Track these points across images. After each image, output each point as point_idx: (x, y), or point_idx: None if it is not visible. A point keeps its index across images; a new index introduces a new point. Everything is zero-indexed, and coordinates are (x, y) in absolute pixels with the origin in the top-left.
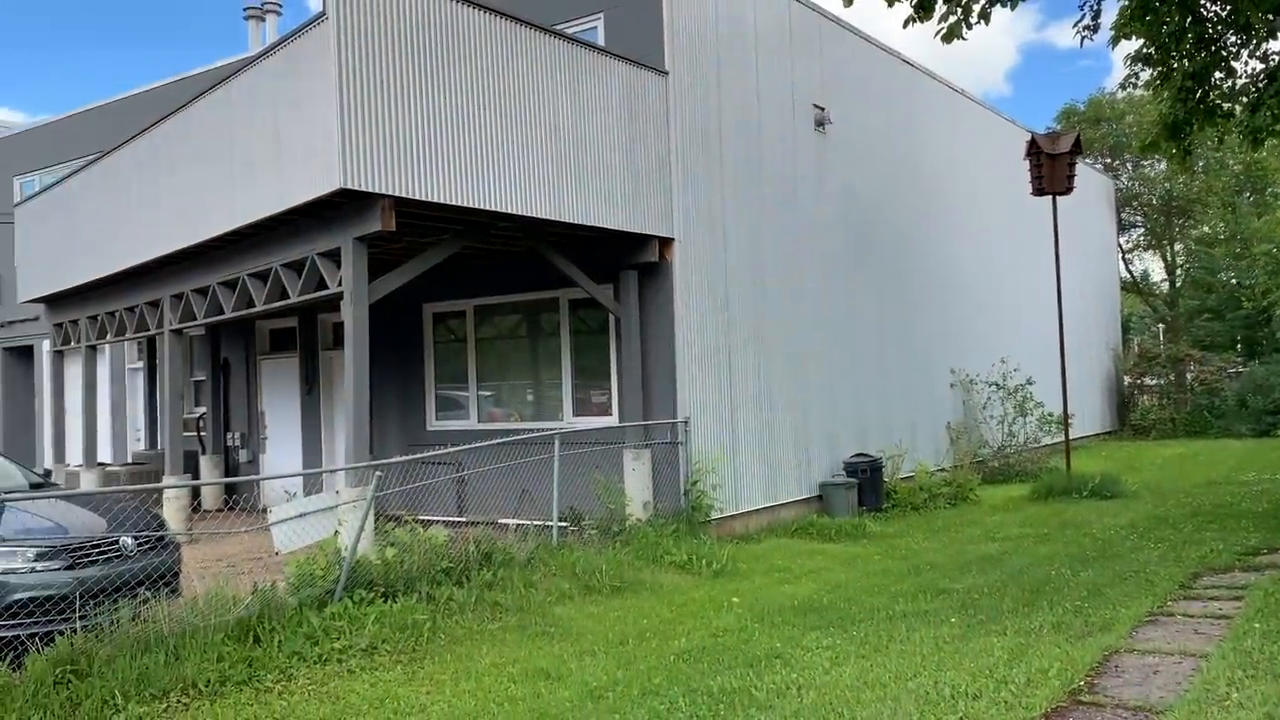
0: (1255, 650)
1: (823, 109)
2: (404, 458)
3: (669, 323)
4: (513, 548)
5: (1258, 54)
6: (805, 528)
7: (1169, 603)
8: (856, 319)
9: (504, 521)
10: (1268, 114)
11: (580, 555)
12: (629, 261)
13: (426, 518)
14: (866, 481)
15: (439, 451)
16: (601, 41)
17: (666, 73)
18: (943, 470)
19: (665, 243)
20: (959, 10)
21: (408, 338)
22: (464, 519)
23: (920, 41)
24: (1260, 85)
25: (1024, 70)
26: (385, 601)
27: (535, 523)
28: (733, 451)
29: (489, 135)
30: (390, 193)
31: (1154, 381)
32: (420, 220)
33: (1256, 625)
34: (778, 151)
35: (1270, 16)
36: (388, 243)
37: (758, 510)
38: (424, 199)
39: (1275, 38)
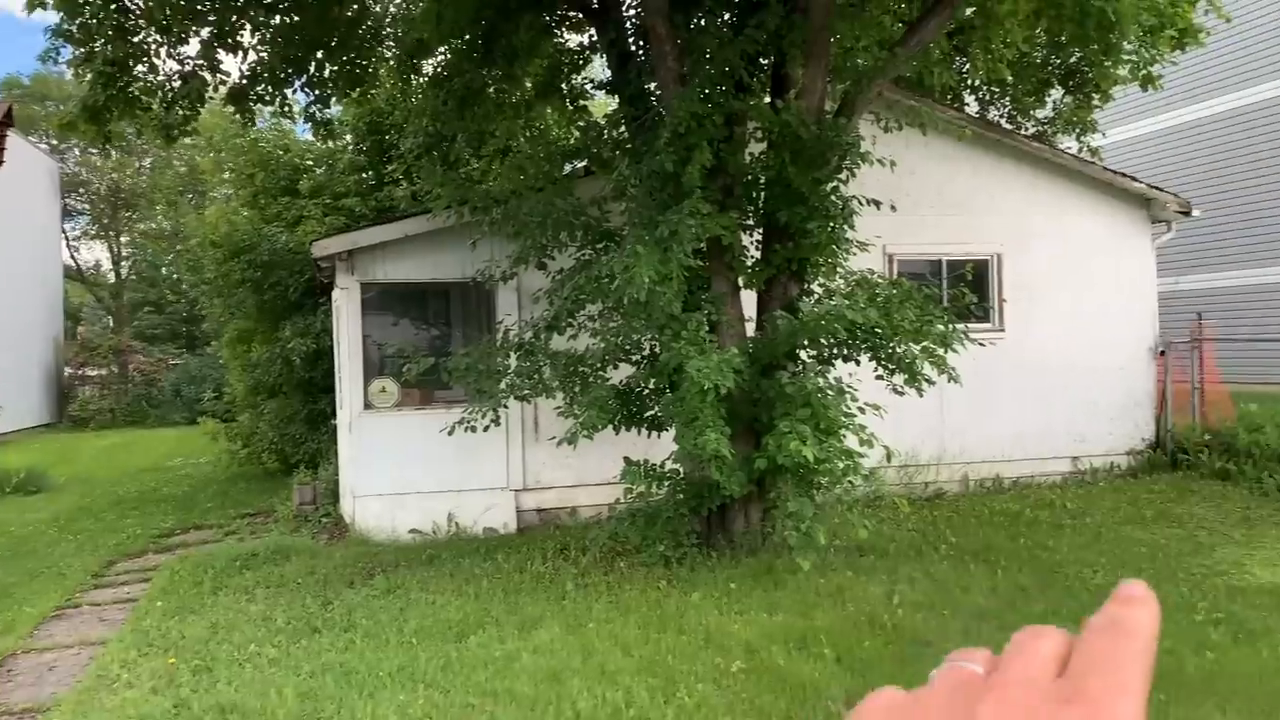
0: (153, 629)
1: None
2: None
3: None
4: None
5: (175, 55)
6: None
7: (79, 594)
8: None
9: None
10: (179, 113)
11: None
12: None
13: None
14: None
15: None
16: None
17: None
18: None
19: None
20: None
21: None
22: None
23: None
24: (175, 85)
25: None
26: None
27: None
28: None
29: None
30: None
31: (96, 372)
32: None
33: (159, 604)
34: None
35: (187, 21)
36: None
37: None
38: None
39: (187, 42)
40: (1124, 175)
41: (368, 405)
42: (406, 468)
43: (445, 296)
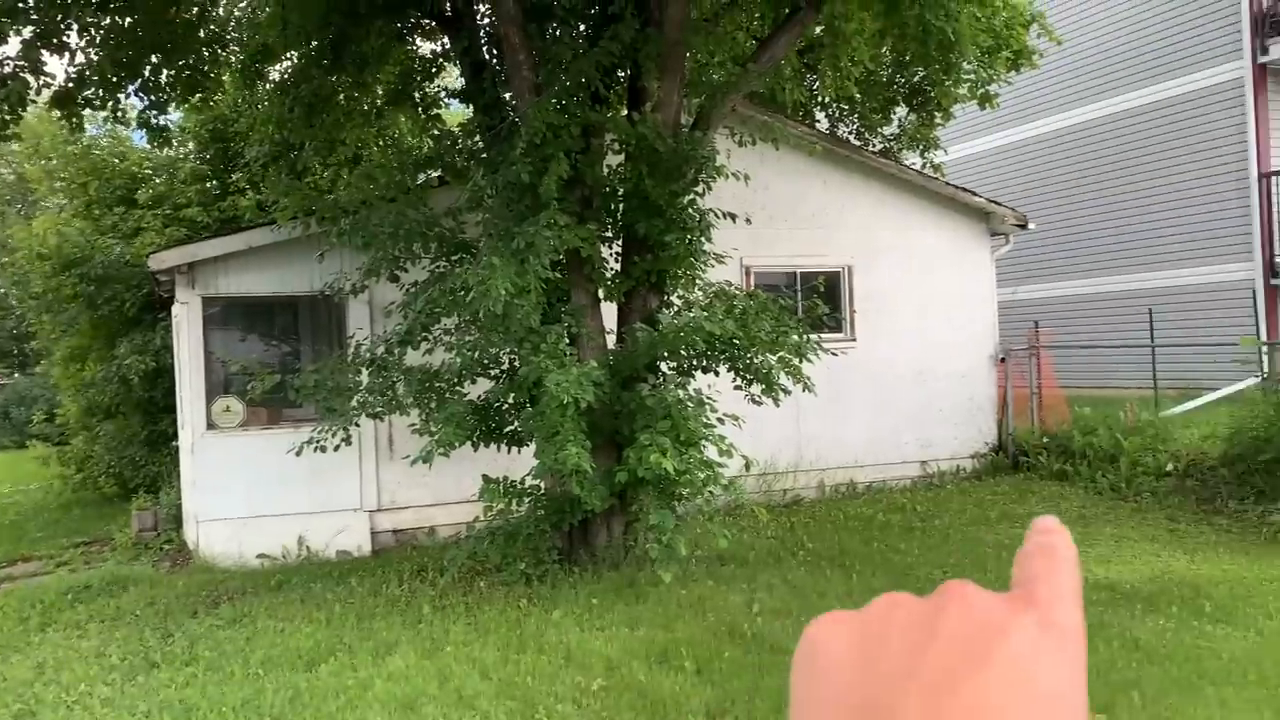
0: None
1: None
2: None
3: None
4: None
5: None
6: None
7: None
8: None
9: None
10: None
11: None
12: None
13: None
14: None
15: None
16: None
17: None
18: None
19: None
20: None
21: None
22: None
23: None
24: None
25: None
26: None
27: None
28: None
29: None
30: None
31: None
32: None
33: None
34: None
35: (5, 20)
36: None
37: None
38: None
39: (6, 41)
40: (965, 190)
41: (211, 425)
42: (254, 490)
43: (293, 311)
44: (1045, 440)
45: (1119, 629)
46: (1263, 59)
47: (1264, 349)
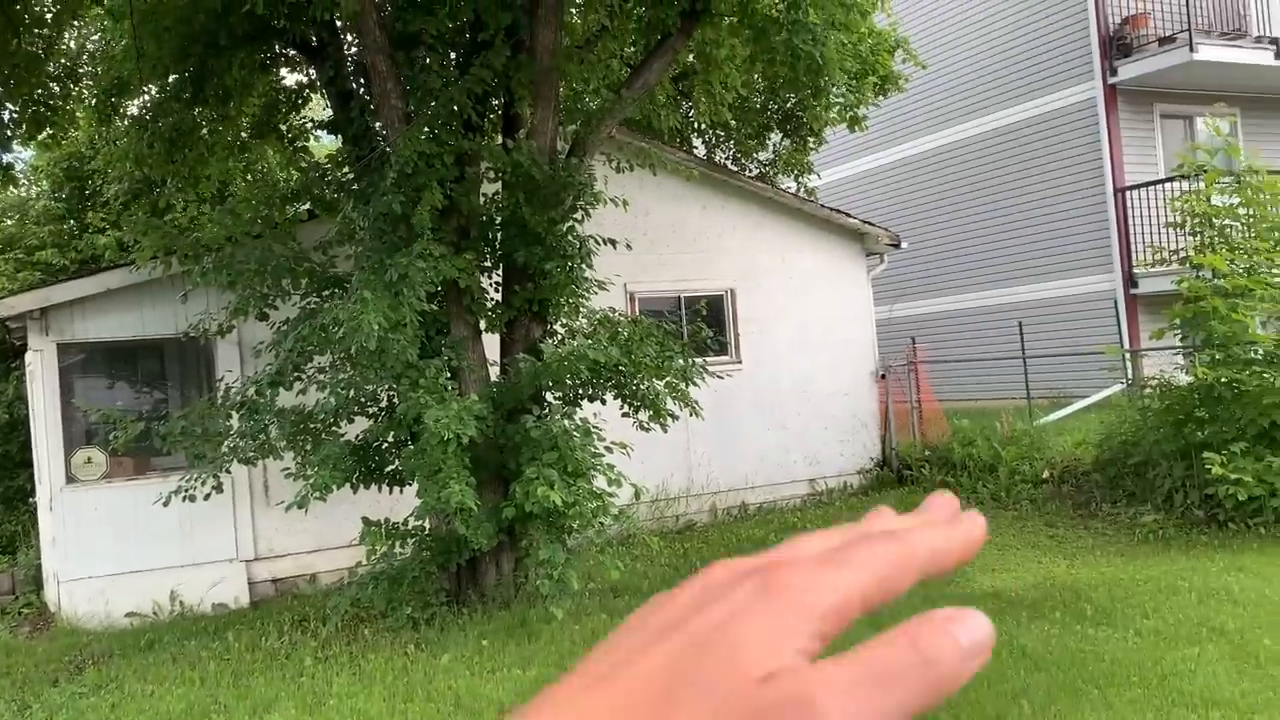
0: None
1: None
2: None
3: None
4: None
5: None
6: None
7: None
8: None
9: None
10: None
11: None
12: None
13: None
14: None
15: None
16: None
17: None
18: None
19: None
20: None
21: None
22: None
23: None
24: None
25: None
26: None
27: None
28: None
29: None
30: None
31: None
32: None
33: None
34: None
35: None
36: None
37: None
38: None
39: None
40: (839, 212)
41: (71, 479)
42: (120, 545)
43: (159, 354)
44: (927, 453)
45: (1006, 638)
46: (1112, 79)
47: (1127, 356)
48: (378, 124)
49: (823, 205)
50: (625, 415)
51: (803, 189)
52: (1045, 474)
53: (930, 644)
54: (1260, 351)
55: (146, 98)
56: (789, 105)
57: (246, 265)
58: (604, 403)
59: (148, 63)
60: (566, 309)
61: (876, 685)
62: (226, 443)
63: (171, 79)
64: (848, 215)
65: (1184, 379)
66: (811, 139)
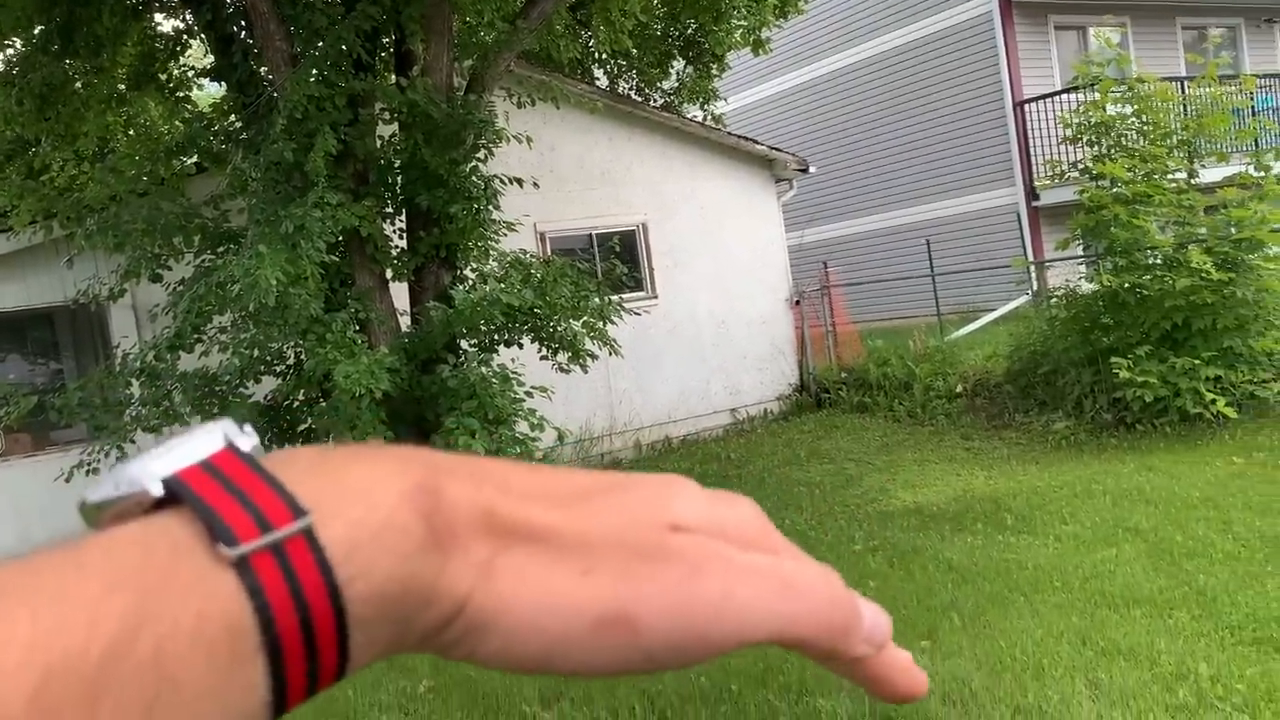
0: None
1: None
2: None
3: None
4: None
5: None
6: None
7: None
8: None
9: None
10: None
11: None
12: None
13: None
14: None
15: None
16: None
17: None
18: None
19: None
20: None
21: None
22: None
23: None
24: None
25: None
26: None
27: None
28: None
29: None
30: None
31: None
32: None
33: None
34: None
35: None
36: None
37: None
38: None
39: None
40: (747, 139)
41: None
42: (23, 524)
43: (49, 324)
44: (844, 376)
45: (932, 553)
46: None
47: (1032, 268)
48: (263, 68)
49: (730, 133)
50: (544, 358)
51: (709, 117)
52: (959, 388)
53: (843, 597)
54: (1160, 256)
55: (11, 51)
56: (690, 31)
57: (134, 225)
58: (521, 347)
59: (9, 14)
60: (476, 253)
61: (774, 589)
62: (128, 412)
63: (37, 30)
64: (755, 142)
65: (1088, 287)
66: (715, 65)
